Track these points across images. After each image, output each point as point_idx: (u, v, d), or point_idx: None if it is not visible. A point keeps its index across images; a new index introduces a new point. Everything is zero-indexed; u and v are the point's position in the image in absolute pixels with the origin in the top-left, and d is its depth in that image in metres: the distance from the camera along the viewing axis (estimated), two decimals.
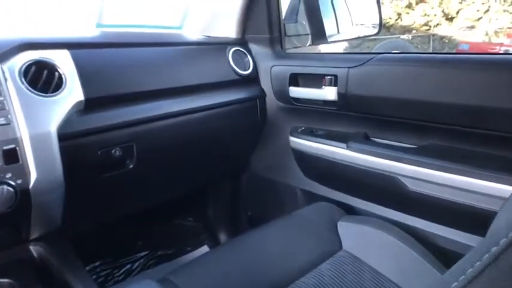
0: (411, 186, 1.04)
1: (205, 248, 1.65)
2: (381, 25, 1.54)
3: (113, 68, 1.02)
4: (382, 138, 1.15)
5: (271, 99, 1.38)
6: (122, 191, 1.12)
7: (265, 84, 1.38)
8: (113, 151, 0.99)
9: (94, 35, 1.16)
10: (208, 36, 1.43)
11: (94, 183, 1.00)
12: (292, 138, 1.32)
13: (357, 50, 8.04)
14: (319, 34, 1.50)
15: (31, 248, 0.95)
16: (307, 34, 1.55)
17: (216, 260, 0.90)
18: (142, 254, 1.51)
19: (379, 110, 1.09)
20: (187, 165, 1.29)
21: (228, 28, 1.42)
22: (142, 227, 1.52)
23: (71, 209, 0.95)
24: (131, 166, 1.05)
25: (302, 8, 1.54)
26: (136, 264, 1.47)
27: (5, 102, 0.80)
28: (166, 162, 1.18)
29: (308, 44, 1.55)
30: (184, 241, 1.65)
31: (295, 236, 1.03)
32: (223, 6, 1.43)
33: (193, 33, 1.51)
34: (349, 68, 1.11)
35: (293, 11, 1.52)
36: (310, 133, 1.29)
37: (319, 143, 1.22)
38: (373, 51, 5.06)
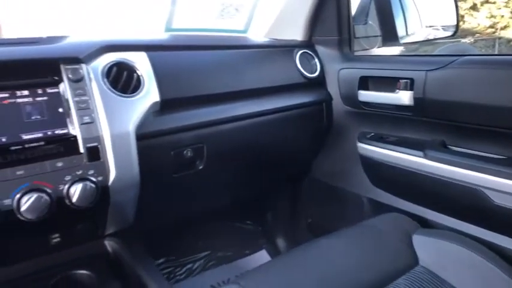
0: (496, 199, 0.95)
1: (263, 253, 1.64)
2: (458, 27, 1.45)
3: (186, 70, 1.04)
4: (461, 147, 1.07)
5: (338, 103, 1.34)
6: (190, 192, 1.13)
7: (332, 87, 1.34)
8: (184, 152, 1.01)
9: (168, 37, 1.19)
10: (274, 39, 1.42)
11: (165, 183, 1.01)
12: (360, 144, 1.26)
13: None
14: (390, 36, 1.44)
15: (106, 243, 0.98)
16: (377, 36, 1.49)
17: (286, 266, 0.88)
18: (203, 254, 1.52)
19: (461, 117, 1.01)
20: (251, 168, 1.28)
21: (294, 30, 1.40)
22: (204, 227, 1.54)
23: (142, 207, 0.98)
24: (201, 167, 1.06)
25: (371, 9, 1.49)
26: (197, 264, 1.49)
27: (89, 101, 0.83)
28: (232, 165, 1.18)
29: (377, 46, 1.49)
30: (243, 244, 1.64)
31: (367, 247, 0.98)
32: (290, 8, 1.41)
33: (258, 36, 1.51)
34: (427, 71, 1.05)
35: (363, 11, 1.47)
36: (380, 139, 1.23)
37: (391, 150, 1.16)
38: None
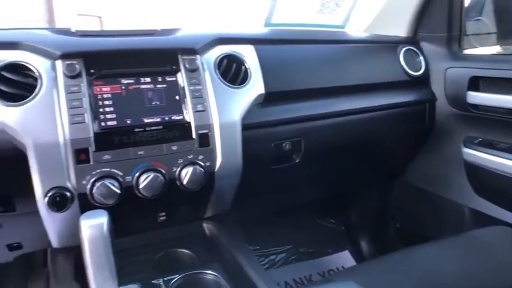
0: None
1: (346, 254, 1.60)
2: None
3: (289, 64, 1.05)
4: None
5: (442, 104, 1.26)
6: (284, 184, 1.15)
7: (437, 87, 1.26)
8: (283, 144, 1.02)
9: (272, 32, 1.21)
10: (375, 35, 1.37)
11: (263, 173, 1.04)
12: (466, 150, 1.18)
13: None
14: (508, 33, 1.31)
15: (204, 225, 1.03)
16: (490, 33, 1.37)
17: (387, 269, 0.85)
18: (286, 247, 1.53)
19: None
20: (343, 165, 1.26)
21: (397, 26, 1.35)
22: (288, 221, 1.55)
23: (239, 194, 1.01)
24: (297, 161, 1.07)
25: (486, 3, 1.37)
26: (279, 256, 1.51)
27: (203, 90, 0.88)
28: (326, 161, 1.17)
29: (490, 44, 1.37)
30: (325, 242, 1.62)
31: (471, 259, 0.91)
32: (394, 3, 1.35)
33: (357, 31, 1.47)
34: None
35: (475, 7, 1.36)
36: (489, 145, 1.13)
37: (502, 158, 1.07)
38: None
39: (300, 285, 1.41)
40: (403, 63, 1.23)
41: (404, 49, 1.25)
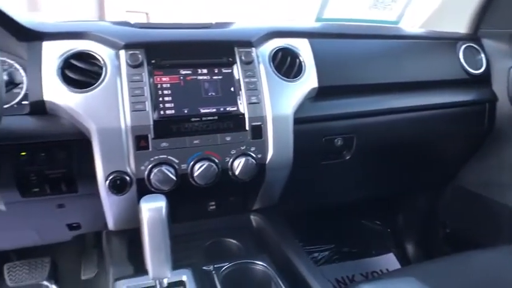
0: None
1: (391, 256, 1.56)
2: None
3: (343, 58, 1.03)
4: None
5: (503, 105, 1.19)
6: (332, 181, 1.14)
7: (499, 87, 1.20)
8: (335, 140, 1.01)
9: (326, 26, 1.20)
10: (432, 31, 1.32)
11: (313, 168, 1.03)
12: None
13: None
14: None
15: (251, 217, 1.04)
16: None
17: (449, 270, 0.82)
18: (329, 246, 1.52)
19: None
20: (395, 165, 1.23)
21: (457, 22, 1.29)
22: (332, 220, 1.53)
23: (287, 188, 1.01)
24: (347, 157, 1.05)
25: None
26: (322, 254, 1.49)
27: (257, 83, 0.88)
28: (377, 160, 1.15)
29: None
30: (369, 244, 1.59)
31: None
32: None
33: (413, 27, 1.43)
34: None
35: None
36: None
37: None
38: None
39: (343, 284, 1.40)
40: (462, 60, 1.17)
41: (464, 46, 1.19)
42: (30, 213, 0.91)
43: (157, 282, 0.70)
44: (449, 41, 1.21)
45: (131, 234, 0.96)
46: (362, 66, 1.05)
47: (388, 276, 0.83)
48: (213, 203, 0.98)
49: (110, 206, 0.85)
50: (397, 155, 1.18)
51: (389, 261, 1.54)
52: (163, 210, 0.67)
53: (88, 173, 0.84)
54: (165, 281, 0.70)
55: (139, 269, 0.84)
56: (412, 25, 1.49)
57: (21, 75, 0.79)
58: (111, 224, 0.90)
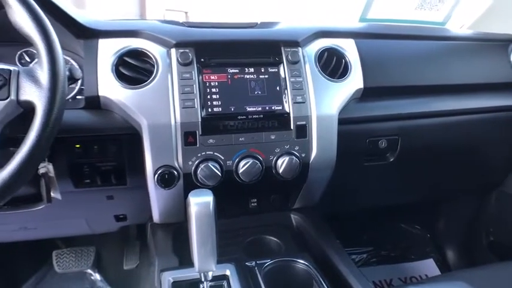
0: None
1: (430, 262, 1.52)
2: None
3: (389, 59, 1.02)
4: None
5: None
6: (374, 183, 1.12)
7: None
8: (379, 142, 1.00)
9: (372, 26, 1.19)
10: (481, 32, 1.28)
11: (355, 170, 1.02)
12: None
13: None
14: None
15: (291, 216, 1.05)
16: None
17: (500, 277, 0.79)
18: (367, 249, 1.50)
19: None
20: (438, 169, 1.20)
21: (508, 24, 1.24)
22: (371, 222, 1.51)
23: (328, 189, 1.01)
24: (391, 159, 1.03)
25: None
26: (360, 257, 1.48)
27: (303, 82, 0.89)
28: (421, 163, 1.12)
29: None
30: (408, 248, 1.56)
31: None
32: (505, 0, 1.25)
33: (461, 28, 1.38)
34: None
35: None
36: None
37: None
38: None
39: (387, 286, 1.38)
40: None
41: None
42: (81, 203, 0.96)
43: (202, 274, 0.72)
44: (500, 43, 1.17)
45: (175, 228, 0.99)
46: (408, 68, 1.03)
47: (434, 281, 0.81)
48: (255, 200, 0.99)
49: (157, 199, 0.88)
50: (442, 159, 1.14)
51: (429, 266, 1.50)
52: (211, 205, 0.69)
53: (137, 167, 0.88)
54: (210, 274, 0.72)
55: (184, 261, 0.87)
56: (459, 26, 1.45)
57: (80, 71, 0.83)
58: (156, 217, 0.93)
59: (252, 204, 0.99)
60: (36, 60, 0.87)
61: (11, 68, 0.61)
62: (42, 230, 1.05)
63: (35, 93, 0.59)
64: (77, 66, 0.89)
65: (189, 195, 0.71)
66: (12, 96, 0.59)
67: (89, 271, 1.37)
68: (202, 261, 0.70)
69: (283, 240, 0.98)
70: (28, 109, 0.62)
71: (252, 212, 1.00)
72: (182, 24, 0.94)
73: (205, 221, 0.69)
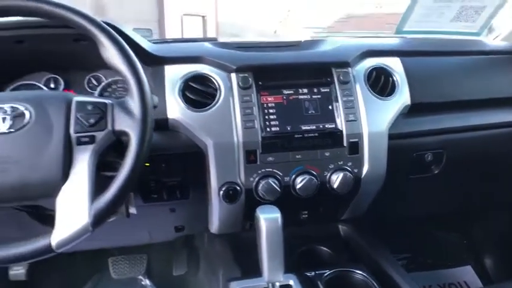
0: None
1: (468, 269, 1.55)
2: None
3: (434, 76, 1.06)
4: None
5: None
6: (418, 194, 1.16)
7: None
8: (425, 155, 1.04)
9: (416, 42, 1.22)
10: None
11: (401, 182, 1.06)
12: None
13: None
14: None
15: (339, 227, 1.10)
16: None
17: None
18: (404, 255, 1.53)
19: None
20: (482, 181, 1.23)
21: None
22: (408, 229, 1.54)
23: (375, 200, 1.05)
24: (435, 172, 1.07)
25: None
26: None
27: (354, 101, 0.94)
28: (464, 174, 1.16)
29: None
30: (445, 255, 1.58)
31: None
32: None
33: (494, 39, 1.40)
34: None
35: None
36: None
37: None
38: None
39: None
40: None
41: None
42: (147, 216, 1.03)
43: (270, 285, 0.77)
44: None
45: (231, 238, 1.06)
46: (452, 83, 1.07)
47: None
48: (306, 212, 1.04)
49: (219, 212, 0.94)
50: (486, 171, 1.17)
51: (467, 274, 1.52)
52: (279, 220, 0.75)
53: (198, 182, 0.95)
54: (278, 284, 0.78)
55: (246, 271, 0.93)
56: (494, 37, 1.47)
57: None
58: (215, 228, 0.99)
59: (303, 216, 1.05)
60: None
61: (106, 101, 0.68)
62: (106, 240, 1.12)
63: (128, 124, 0.66)
64: None
65: (258, 211, 0.77)
66: (109, 127, 0.66)
67: (140, 277, 1.45)
68: (271, 272, 0.76)
69: (334, 250, 1.04)
70: (119, 137, 0.69)
71: (302, 223, 1.06)
72: (228, 45, 1.01)
73: (275, 235, 0.75)
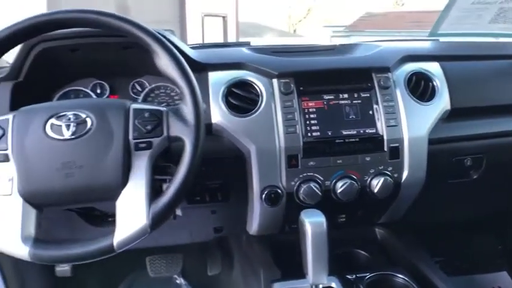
0: None
1: (504, 275, 1.52)
2: None
3: (474, 80, 1.05)
4: None
5: None
6: (455, 198, 1.16)
7: None
8: (465, 160, 1.03)
9: (454, 46, 1.22)
10: None
11: (440, 186, 1.06)
12: None
13: None
14: None
15: (376, 230, 1.11)
16: None
17: None
18: (439, 259, 1.52)
19: None
20: None
21: None
22: (441, 233, 1.53)
23: (413, 205, 1.05)
24: (475, 177, 1.07)
25: None
26: None
27: (395, 106, 0.94)
28: (504, 179, 1.15)
29: None
30: (480, 260, 1.56)
31: None
32: None
33: None
34: None
35: None
36: None
37: None
38: None
39: None
40: None
41: None
42: (189, 217, 1.07)
43: (313, 287, 0.79)
44: None
45: (268, 239, 1.08)
46: (493, 87, 1.06)
47: None
48: (343, 216, 1.05)
49: (259, 215, 0.96)
50: None
51: (503, 279, 1.49)
52: (324, 225, 0.77)
53: (239, 185, 0.97)
54: (321, 286, 0.79)
55: (287, 272, 0.95)
56: None
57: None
58: (254, 230, 1.02)
59: (340, 219, 1.06)
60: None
61: (161, 108, 0.71)
62: (149, 239, 1.16)
63: (182, 130, 0.69)
64: None
65: (302, 215, 0.79)
66: (165, 133, 0.69)
67: (175, 276, 1.49)
68: (316, 275, 0.78)
69: (371, 253, 1.04)
70: (173, 142, 0.72)
71: (339, 227, 1.07)
72: (265, 50, 1.03)
73: (320, 239, 0.77)
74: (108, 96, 1.01)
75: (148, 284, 1.47)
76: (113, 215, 1.05)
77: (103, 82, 1.01)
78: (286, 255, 1.03)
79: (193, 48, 1.04)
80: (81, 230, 1.04)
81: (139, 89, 1.03)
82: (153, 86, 1.02)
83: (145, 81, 1.03)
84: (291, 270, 0.98)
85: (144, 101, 1.02)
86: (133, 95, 1.03)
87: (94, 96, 1.01)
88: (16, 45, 0.75)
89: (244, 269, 1.18)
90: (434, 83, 1.00)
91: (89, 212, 1.00)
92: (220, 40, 10.26)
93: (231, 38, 10.56)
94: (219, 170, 0.97)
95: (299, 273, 0.85)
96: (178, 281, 1.49)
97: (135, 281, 1.47)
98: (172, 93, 1.04)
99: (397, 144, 0.93)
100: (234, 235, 1.29)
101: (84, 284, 1.38)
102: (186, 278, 1.49)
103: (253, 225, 1.01)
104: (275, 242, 1.08)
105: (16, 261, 1.21)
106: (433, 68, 1.02)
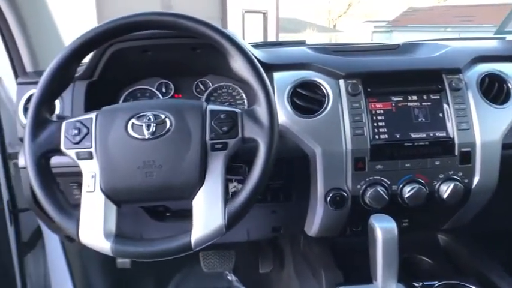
0: None
1: None
2: None
3: None
4: None
5: None
6: None
7: None
8: None
9: None
10: None
11: (506, 192, 1.01)
12: None
13: None
14: None
15: (439, 236, 1.07)
16: None
17: None
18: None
19: None
20: None
21: None
22: (506, 240, 1.46)
23: (483, 211, 1.01)
24: None
25: None
26: None
27: (466, 109, 0.91)
28: None
29: None
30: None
31: None
32: None
33: None
34: None
35: None
36: None
37: None
38: None
39: None
40: None
41: None
42: (250, 216, 1.07)
43: None
44: None
45: (327, 241, 1.07)
46: None
47: None
48: (406, 221, 1.03)
49: (322, 217, 0.95)
50: None
51: None
52: (396, 231, 0.75)
53: (301, 186, 0.97)
54: None
55: (349, 276, 0.94)
56: None
57: None
58: (314, 231, 1.01)
59: (403, 224, 1.03)
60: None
61: (236, 110, 0.71)
62: None
63: (257, 131, 0.69)
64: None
65: (372, 220, 0.78)
66: (240, 135, 0.70)
67: (226, 272, 1.51)
68: (385, 281, 0.76)
69: (434, 260, 1.01)
70: (247, 144, 0.72)
71: (402, 232, 1.04)
72: (327, 49, 1.02)
73: (391, 245, 0.75)
74: (172, 96, 1.04)
75: (200, 278, 1.50)
76: (173, 211, 1.09)
77: (168, 81, 1.04)
78: (346, 258, 1.02)
79: (253, 47, 1.04)
80: (143, 224, 1.08)
81: (202, 88, 1.05)
82: (216, 85, 1.04)
83: (208, 81, 1.05)
84: (352, 273, 0.97)
85: (207, 100, 1.04)
86: (196, 94, 1.05)
87: (159, 95, 1.04)
88: (97, 48, 0.78)
89: (298, 269, 1.18)
90: (509, 85, 0.95)
91: (153, 207, 1.03)
92: (260, 36, 10.28)
93: (271, 34, 10.55)
94: (281, 171, 0.96)
95: (362, 277, 0.84)
96: (229, 277, 1.52)
97: (189, 275, 1.51)
98: (234, 93, 1.05)
99: (468, 149, 0.89)
100: (289, 235, 1.30)
101: (141, 276, 1.43)
102: (237, 275, 1.51)
103: (314, 227, 1.00)
104: (333, 244, 1.07)
105: (81, 251, 1.28)
106: (508, 69, 0.96)
